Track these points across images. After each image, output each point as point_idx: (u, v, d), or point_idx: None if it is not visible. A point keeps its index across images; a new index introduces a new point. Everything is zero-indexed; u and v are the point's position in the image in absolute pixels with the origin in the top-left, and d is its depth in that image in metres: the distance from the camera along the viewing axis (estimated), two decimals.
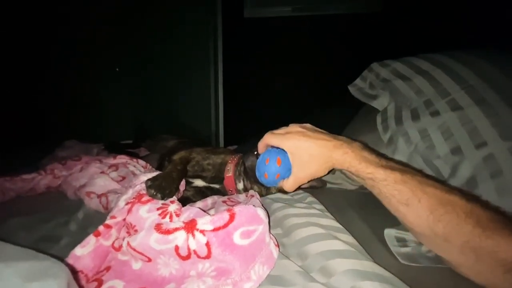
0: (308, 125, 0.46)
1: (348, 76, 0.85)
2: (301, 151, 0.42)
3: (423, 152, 0.53)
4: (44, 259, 0.21)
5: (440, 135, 0.51)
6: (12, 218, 0.52)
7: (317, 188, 0.61)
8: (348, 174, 0.42)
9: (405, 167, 0.38)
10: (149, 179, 0.45)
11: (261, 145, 0.48)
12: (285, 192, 0.56)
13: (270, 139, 0.45)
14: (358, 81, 0.82)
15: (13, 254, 0.21)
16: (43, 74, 1.33)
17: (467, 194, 0.33)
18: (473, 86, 0.52)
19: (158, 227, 0.33)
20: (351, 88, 0.82)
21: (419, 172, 0.37)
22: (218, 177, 0.59)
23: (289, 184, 0.44)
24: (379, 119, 0.68)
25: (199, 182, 0.60)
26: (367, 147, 0.41)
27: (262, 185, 0.54)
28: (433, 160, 0.51)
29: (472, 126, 0.48)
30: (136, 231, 0.38)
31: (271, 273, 0.33)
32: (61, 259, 0.30)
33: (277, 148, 0.45)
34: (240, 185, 0.57)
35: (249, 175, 0.55)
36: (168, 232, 0.32)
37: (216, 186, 0.59)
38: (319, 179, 0.60)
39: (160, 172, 0.50)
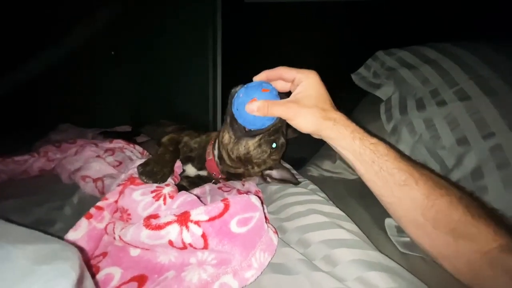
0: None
1: (351, 64, 0.83)
2: (311, 91, 0.37)
3: (428, 142, 0.52)
4: (54, 242, 0.20)
5: (446, 125, 0.50)
6: (4, 201, 0.50)
7: (290, 182, 0.53)
8: (344, 146, 0.36)
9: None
10: (140, 165, 0.43)
11: (270, 73, 0.41)
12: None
13: (283, 70, 0.40)
14: (361, 70, 0.79)
15: (21, 236, 0.20)
16: (38, 57, 1.28)
17: (455, 183, 0.33)
18: (482, 76, 0.51)
19: (147, 223, 0.31)
20: (354, 77, 0.80)
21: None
22: (203, 159, 0.57)
23: (292, 109, 0.37)
24: (382, 109, 0.66)
25: (190, 170, 0.58)
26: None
27: (249, 137, 0.47)
28: (437, 150, 0.50)
29: (480, 116, 0.47)
30: (129, 215, 0.37)
31: (273, 261, 0.32)
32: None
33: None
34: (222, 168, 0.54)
35: (234, 127, 0.47)
36: (159, 227, 0.30)
37: (204, 173, 0.58)
38: (291, 174, 0.54)
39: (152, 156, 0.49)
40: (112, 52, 1.38)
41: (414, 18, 1.10)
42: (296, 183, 0.52)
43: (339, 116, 0.37)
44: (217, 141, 0.55)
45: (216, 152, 0.55)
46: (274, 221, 0.41)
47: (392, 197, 0.33)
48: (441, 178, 0.32)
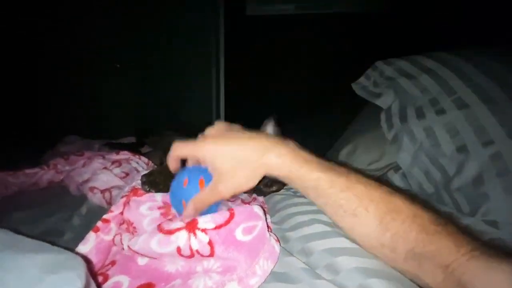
0: (223, 124, 0.37)
1: (352, 75, 0.85)
2: (221, 158, 0.33)
3: (428, 150, 0.53)
4: (60, 252, 0.21)
5: (446, 133, 0.51)
6: (14, 212, 0.52)
7: (277, 191, 0.51)
8: (285, 180, 0.34)
9: (346, 168, 0.33)
10: (144, 175, 0.45)
11: (172, 161, 0.37)
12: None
13: (179, 149, 0.36)
14: (362, 79, 0.81)
15: (29, 246, 0.21)
16: (44, 69, 1.33)
17: (407, 194, 0.31)
18: (479, 84, 0.52)
19: (160, 228, 0.33)
20: (354, 86, 0.81)
21: (358, 172, 0.33)
22: None
23: (203, 199, 0.34)
24: (383, 117, 0.67)
25: None
26: (301, 146, 0.34)
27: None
28: (438, 158, 0.51)
29: (479, 124, 0.47)
30: (134, 228, 0.38)
31: (276, 270, 0.33)
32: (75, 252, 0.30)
33: (198, 166, 0.37)
34: None
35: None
36: (169, 232, 0.32)
37: None
38: (277, 181, 0.50)
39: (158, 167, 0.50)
40: (118, 65, 1.42)
41: (411, 29, 1.13)
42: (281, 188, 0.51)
43: (267, 166, 0.33)
44: None
45: None
46: (278, 231, 0.42)
47: (344, 223, 0.33)
48: (392, 196, 0.30)
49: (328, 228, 0.38)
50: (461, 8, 1.01)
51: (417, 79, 0.63)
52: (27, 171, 0.62)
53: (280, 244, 0.36)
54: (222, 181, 0.33)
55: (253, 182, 0.34)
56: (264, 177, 0.35)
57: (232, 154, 0.33)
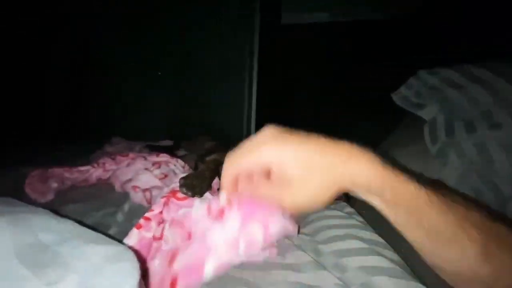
0: (277, 128, 0.29)
1: (389, 84, 0.81)
2: (293, 162, 0.26)
3: (480, 168, 0.49)
4: (117, 244, 0.24)
5: (501, 150, 0.46)
6: (69, 205, 0.58)
7: None
8: (373, 194, 0.27)
9: (437, 185, 0.27)
10: (182, 178, 0.48)
11: (227, 181, 0.31)
12: None
13: (234, 166, 0.30)
14: (402, 89, 0.77)
15: (91, 237, 0.24)
16: (92, 79, 1.50)
17: (504, 216, 0.27)
18: None
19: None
20: (394, 96, 0.77)
21: (448, 189, 0.29)
22: None
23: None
24: (426, 130, 0.63)
25: None
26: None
27: None
28: (492, 177, 0.46)
29: None
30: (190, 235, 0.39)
31: (310, 283, 0.32)
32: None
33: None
34: None
35: None
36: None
37: None
38: None
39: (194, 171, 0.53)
40: (159, 73, 1.53)
41: (450, 33, 1.05)
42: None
43: (349, 176, 0.26)
44: None
45: None
46: (310, 243, 0.41)
47: (438, 250, 0.26)
48: (493, 220, 0.25)
49: (364, 245, 0.37)
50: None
51: (467, 89, 0.59)
52: (81, 168, 0.69)
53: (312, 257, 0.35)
54: (289, 189, 0.27)
55: (328, 198, 0.27)
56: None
57: (307, 159, 0.26)
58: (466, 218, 0.25)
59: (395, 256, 0.36)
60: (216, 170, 0.59)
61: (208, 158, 0.64)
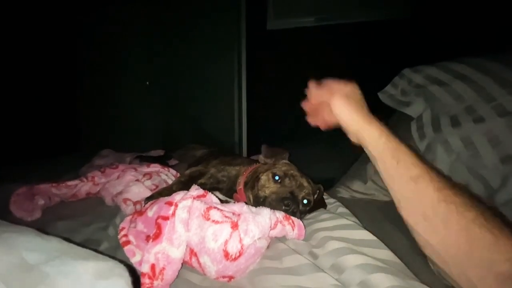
0: (355, 87, 0.46)
1: (377, 85, 0.83)
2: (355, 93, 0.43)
3: (467, 161, 0.50)
4: (108, 260, 0.23)
5: (487, 142, 0.48)
6: (57, 222, 0.56)
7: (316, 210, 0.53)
8: (381, 147, 0.37)
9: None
10: (147, 197, 0.50)
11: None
12: None
13: (317, 95, 0.47)
14: (388, 88, 0.79)
15: (80, 254, 0.23)
16: (81, 90, 1.47)
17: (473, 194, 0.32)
18: None
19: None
20: (381, 95, 0.79)
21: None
22: (233, 190, 0.59)
23: (339, 102, 0.41)
24: (414, 127, 0.64)
25: (217, 195, 0.60)
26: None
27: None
28: (479, 170, 0.47)
29: None
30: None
31: (308, 286, 0.32)
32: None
33: None
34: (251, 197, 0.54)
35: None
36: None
37: (232, 200, 0.59)
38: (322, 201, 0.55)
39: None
40: (147, 82, 1.52)
41: (438, 36, 1.09)
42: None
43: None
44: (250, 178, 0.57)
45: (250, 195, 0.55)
46: (305, 246, 0.41)
47: (405, 191, 0.34)
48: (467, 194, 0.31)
49: (357, 245, 0.37)
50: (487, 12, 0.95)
51: (450, 86, 0.60)
52: (69, 183, 0.67)
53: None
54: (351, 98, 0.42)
55: (361, 113, 0.40)
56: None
57: (359, 96, 0.43)
58: (433, 171, 0.33)
59: (390, 253, 0.36)
60: (187, 184, 0.57)
61: (186, 171, 0.63)
